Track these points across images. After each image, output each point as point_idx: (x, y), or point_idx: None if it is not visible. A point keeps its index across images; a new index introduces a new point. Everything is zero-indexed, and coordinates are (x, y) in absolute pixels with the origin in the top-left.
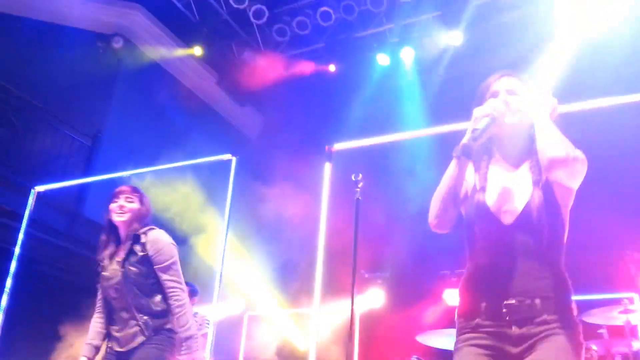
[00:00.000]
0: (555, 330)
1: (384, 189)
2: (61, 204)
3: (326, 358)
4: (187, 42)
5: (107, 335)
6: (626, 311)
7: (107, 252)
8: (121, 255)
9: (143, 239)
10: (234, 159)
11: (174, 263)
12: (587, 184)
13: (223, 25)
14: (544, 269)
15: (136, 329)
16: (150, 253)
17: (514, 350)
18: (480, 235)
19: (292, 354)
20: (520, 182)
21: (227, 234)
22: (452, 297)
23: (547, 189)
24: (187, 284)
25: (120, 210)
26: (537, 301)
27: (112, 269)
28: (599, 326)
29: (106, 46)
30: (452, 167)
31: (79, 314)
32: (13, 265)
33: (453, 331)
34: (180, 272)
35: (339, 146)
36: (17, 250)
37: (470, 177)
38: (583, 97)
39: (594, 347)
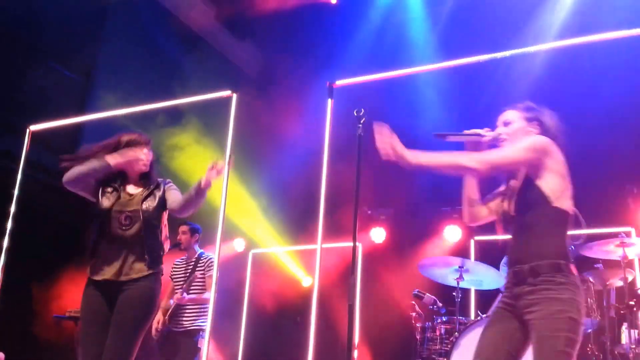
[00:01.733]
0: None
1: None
2: (57, 144)
3: (329, 294)
4: None
5: (93, 267)
6: (623, 245)
7: (116, 184)
8: (141, 193)
9: (164, 187)
10: (234, 96)
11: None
12: (588, 120)
13: None
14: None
15: (138, 261)
16: (166, 197)
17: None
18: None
19: (296, 290)
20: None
21: (228, 172)
22: (452, 232)
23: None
24: (187, 223)
25: (147, 161)
26: (526, 267)
27: (125, 197)
28: (596, 260)
29: None
30: (465, 181)
31: (79, 254)
32: (12, 207)
33: (454, 265)
34: None
35: (341, 82)
36: (15, 191)
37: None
38: (590, 30)
39: (590, 279)
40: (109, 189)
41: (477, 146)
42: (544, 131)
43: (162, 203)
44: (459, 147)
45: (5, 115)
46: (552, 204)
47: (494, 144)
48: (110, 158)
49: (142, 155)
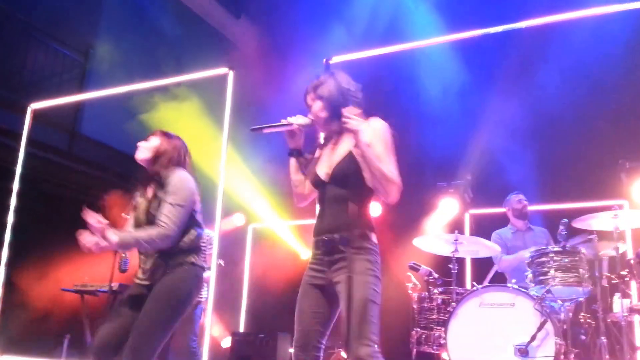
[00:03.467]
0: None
1: (385, 102)
2: (58, 122)
3: None
4: None
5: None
6: (616, 217)
7: (139, 190)
8: (148, 196)
9: (165, 181)
10: (231, 73)
11: (181, 204)
12: (582, 95)
13: None
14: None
15: (158, 263)
16: (168, 190)
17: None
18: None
19: (296, 263)
20: (332, 153)
21: (225, 148)
22: (448, 206)
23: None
24: None
25: (139, 148)
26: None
27: (141, 204)
28: (590, 232)
29: None
30: (290, 163)
31: (83, 229)
32: (16, 184)
33: (449, 237)
34: (184, 216)
35: (337, 59)
36: (18, 169)
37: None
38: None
39: (583, 251)
40: (134, 205)
41: (292, 135)
42: (327, 99)
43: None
44: (279, 138)
45: (6, 94)
46: (368, 182)
47: (309, 129)
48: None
49: (141, 152)
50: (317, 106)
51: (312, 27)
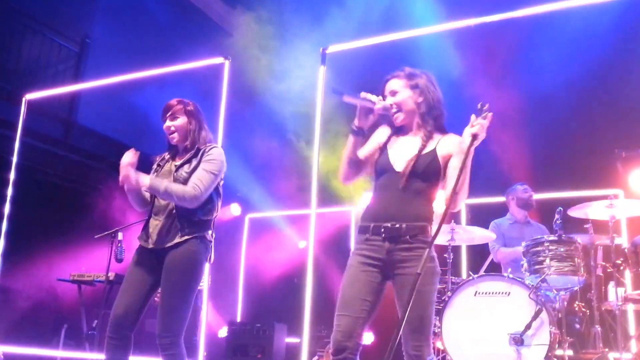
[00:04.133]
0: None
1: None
2: (54, 112)
3: (324, 255)
4: None
5: (142, 235)
6: (611, 206)
7: (165, 156)
8: (177, 161)
9: (201, 156)
10: (226, 62)
11: (214, 172)
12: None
13: None
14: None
15: (176, 226)
16: (201, 160)
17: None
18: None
19: (293, 253)
20: (411, 147)
21: (221, 138)
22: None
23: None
24: None
25: (169, 132)
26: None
27: (166, 169)
28: (585, 221)
29: None
30: (349, 140)
31: (79, 219)
32: (12, 174)
33: (445, 227)
34: (213, 184)
35: (334, 48)
36: (14, 159)
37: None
38: None
39: (579, 240)
40: (158, 167)
41: (368, 113)
42: (425, 96)
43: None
44: (353, 107)
45: (1, 84)
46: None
47: (384, 113)
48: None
49: (168, 128)
50: (407, 94)
51: (308, 16)
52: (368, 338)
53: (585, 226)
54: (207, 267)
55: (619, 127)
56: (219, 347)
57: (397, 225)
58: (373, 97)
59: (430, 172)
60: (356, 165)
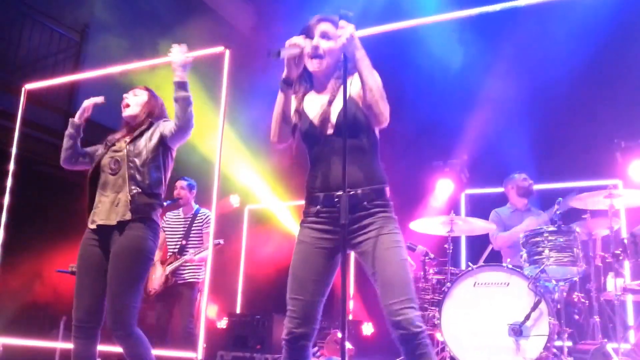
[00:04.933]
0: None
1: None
2: (53, 103)
3: None
4: None
5: (90, 217)
6: (610, 196)
7: (117, 135)
8: (131, 136)
9: (157, 126)
10: (227, 52)
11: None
12: (577, 74)
13: None
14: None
15: (125, 199)
16: (159, 128)
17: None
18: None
19: (292, 244)
20: (329, 102)
21: (222, 129)
22: (444, 186)
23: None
24: (184, 178)
25: (124, 104)
26: (359, 192)
27: (119, 145)
28: (584, 211)
29: None
30: (279, 95)
31: (79, 210)
32: (11, 165)
33: (445, 218)
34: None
35: None
36: (14, 150)
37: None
38: None
39: (577, 229)
40: (108, 141)
41: (297, 61)
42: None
43: (156, 142)
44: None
45: (0, 74)
46: (375, 131)
47: (314, 55)
48: (75, 118)
49: (126, 99)
50: (331, 44)
51: (308, 5)
52: (367, 329)
53: (583, 216)
54: (209, 260)
55: (619, 117)
56: (219, 338)
57: (352, 193)
58: (299, 40)
59: (361, 123)
60: (288, 124)
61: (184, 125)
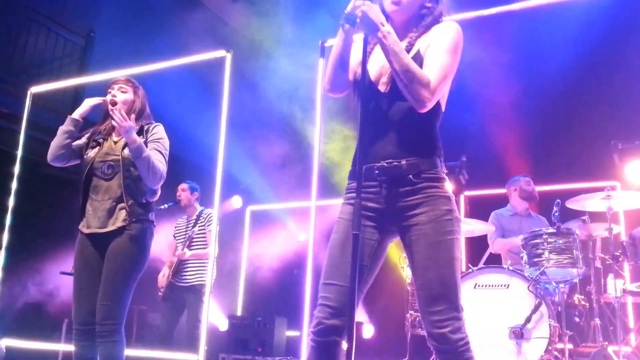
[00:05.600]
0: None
1: None
2: (58, 106)
3: (324, 248)
4: None
5: (83, 221)
6: (608, 197)
7: (102, 128)
8: (115, 138)
9: (147, 135)
10: (228, 55)
11: (166, 152)
12: (575, 76)
13: None
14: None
15: (122, 204)
16: (147, 139)
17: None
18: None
19: (293, 245)
20: None
21: (224, 131)
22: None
23: (416, 60)
24: (186, 181)
25: (112, 103)
26: (403, 162)
27: (109, 146)
28: (583, 212)
29: None
30: (338, 35)
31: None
32: (17, 168)
33: None
34: (165, 158)
35: (333, 41)
36: (19, 152)
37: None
38: None
39: (577, 232)
40: (94, 143)
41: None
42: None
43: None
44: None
45: (6, 77)
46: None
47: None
48: (74, 114)
49: (109, 97)
50: None
51: (307, 9)
52: (368, 331)
53: (582, 218)
54: (211, 261)
55: (616, 119)
56: (220, 341)
57: (395, 164)
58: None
59: None
60: (345, 70)
61: (154, 184)
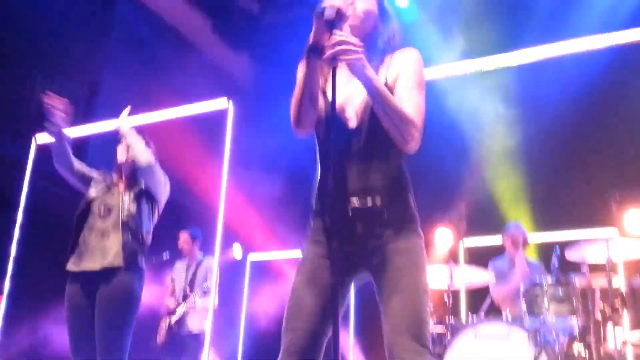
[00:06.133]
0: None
1: None
2: None
3: None
4: None
5: (73, 259)
6: (607, 247)
7: (108, 177)
8: (123, 184)
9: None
10: (230, 104)
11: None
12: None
13: None
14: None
15: (117, 246)
16: (147, 185)
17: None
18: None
19: None
20: (359, 86)
21: (226, 179)
22: (442, 237)
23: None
24: (187, 229)
25: (125, 149)
26: (377, 200)
27: (112, 190)
28: (581, 261)
29: None
30: (302, 68)
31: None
32: (19, 215)
33: (443, 268)
34: (159, 177)
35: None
36: (22, 200)
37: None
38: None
39: (577, 281)
40: (101, 182)
41: (327, 23)
42: (389, 25)
43: (145, 195)
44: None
45: (11, 124)
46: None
47: (334, 18)
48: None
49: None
50: (368, 5)
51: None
52: None
53: (582, 268)
54: (211, 310)
55: (614, 168)
56: None
57: (369, 204)
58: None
59: None
60: (314, 104)
61: (147, 166)
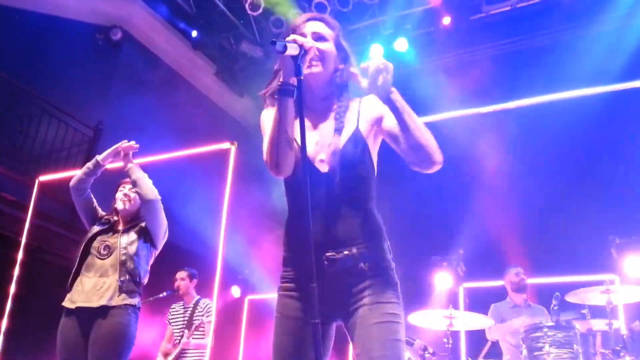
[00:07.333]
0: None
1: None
2: (64, 195)
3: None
4: (185, 34)
5: (70, 296)
6: (608, 291)
7: (111, 217)
8: (123, 226)
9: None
10: (233, 147)
11: (162, 220)
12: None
13: (219, 17)
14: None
15: (114, 285)
16: (148, 225)
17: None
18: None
19: None
20: (328, 130)
21: (225, 222)
22: (442, 280)
23: (357, 137)
24: (185, 269)
25: (125, 198)
26: (354, 251)
27: (113, 230)
28: (582, 306)
29: (105, 38)
30: (278, 109)
31: None
32: (20, 254)
33: (443, 312)
34: (162, 218)
35: None
36: (23, 239)
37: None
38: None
39: (577, 326)
40: (104, 221)
41: (294, 61)
42: (347, 65)
43: (144, 234)
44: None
45: (14, 165)
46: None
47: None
48: (99, 156)
49: (122, 191)
50: (332, 48)
51: None
52: None
53: (582, 311)
54: (208, 351)
55: (613, 213)
56: None
57: (346, 253)
58: (299, 38)
59: (362, 165)
60: (292, 147)
61: (149, 197)
